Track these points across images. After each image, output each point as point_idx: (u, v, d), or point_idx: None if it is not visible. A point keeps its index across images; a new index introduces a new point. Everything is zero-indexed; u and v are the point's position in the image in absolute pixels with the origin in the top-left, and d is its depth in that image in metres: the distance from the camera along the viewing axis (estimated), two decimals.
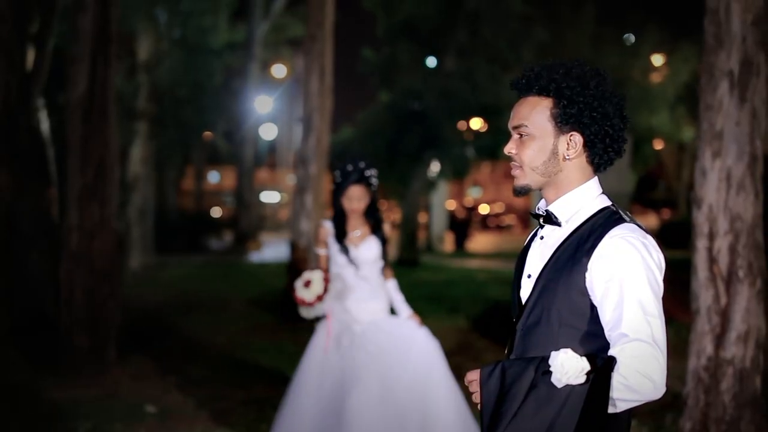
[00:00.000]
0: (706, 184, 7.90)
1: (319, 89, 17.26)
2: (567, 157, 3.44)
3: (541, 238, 3.54)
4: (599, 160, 3.46)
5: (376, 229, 7.75)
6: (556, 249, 3.44)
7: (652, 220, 48.53)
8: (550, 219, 3.50)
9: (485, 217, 65.94)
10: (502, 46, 32.97)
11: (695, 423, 7.92)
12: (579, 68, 3.44)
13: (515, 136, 3.51)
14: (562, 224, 3.47)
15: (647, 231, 3.40)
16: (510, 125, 3.54)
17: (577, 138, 3.42)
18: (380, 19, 33.72)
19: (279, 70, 48.51)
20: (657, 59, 44.14)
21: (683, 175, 46.56)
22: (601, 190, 3.50)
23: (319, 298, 7.44)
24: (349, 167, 7.52)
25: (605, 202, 3.47)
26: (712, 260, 7.84)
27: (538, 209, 3.56)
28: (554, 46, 37.64)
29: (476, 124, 36.10)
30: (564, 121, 3.41)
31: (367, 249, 7.69)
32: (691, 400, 7.96)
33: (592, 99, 3.38)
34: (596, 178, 3.51)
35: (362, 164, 7.57)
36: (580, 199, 3.46)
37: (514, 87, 3.56)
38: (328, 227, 7.71)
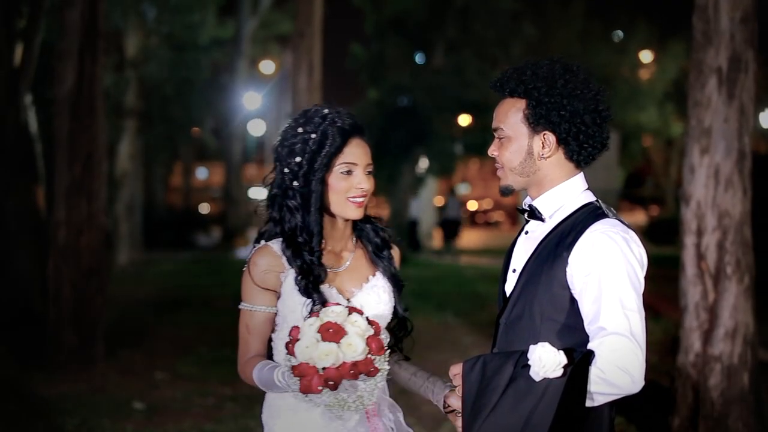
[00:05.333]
0: (695, 180, 7.92)
1: (307, 85, 17.26)
2: (543, 156, 3.48)
3: (526, 233, 3.60)
4: (578, 156, 3.50)
5: (378, 256, 3.95)
6: (539, 243, 3.48)
7: (640, 216, 48.55)
8: (534, 214, 3.54)
9: (473, 213, 65.95)
10: (491, 42, 32.98)
11: (683, 419, 7.94)
12: (548, 68, 3.48)
13: (496, 138, 3.57)
14: (546, 219, 3.52)
15: (630, 226, 3.44)
16: (492, 127, 3.60)
17: (551, 137, 3.47)
18: (369, 15, 33.69)
19: (267, 67, 48.43)
20: (645, 56, 44.28)
21: (671, 172, 46.64)
22: (585, 186, 3.54)
23: (377, 349, 3.39)
24: (327, 110, 3.81)
25: (590, 197, 3.52)
26: (700, 257, 7.86)
27: (524, 204, 3.60)
28: (543, 42, 37.68)
29: (465, 120, 36.10)
30: (536, 122, 3.45)
31: (375, 301, 3.84)
32: (679, 396, 7.99)
33: (560, 98, 3.42)
34: (581, 174, 3.56)
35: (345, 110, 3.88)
36: (564, 194, 3.50)
37: (492, 89, 3.63)
38: (276, 251, 3.81)
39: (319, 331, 3.35)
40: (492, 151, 3.57)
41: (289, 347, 3.41)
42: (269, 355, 3.86)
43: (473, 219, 63.60)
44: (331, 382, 3.30)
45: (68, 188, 11.35)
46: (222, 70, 37.35)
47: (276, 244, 3.79)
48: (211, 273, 24.46)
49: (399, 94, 32.44)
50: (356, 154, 3.75)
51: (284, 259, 3.75)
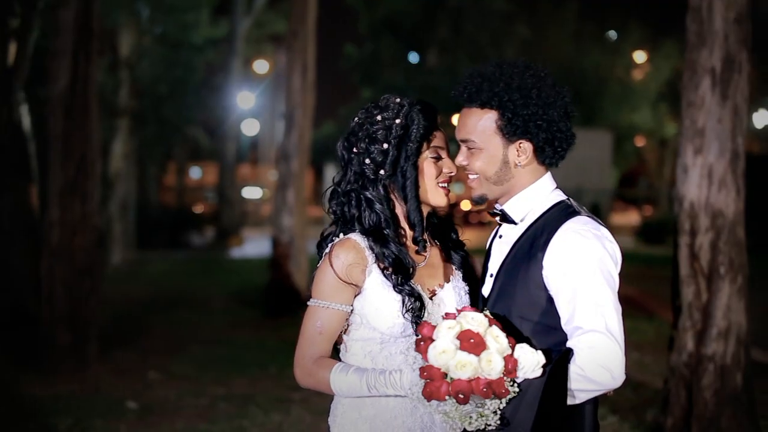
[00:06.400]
0: (688, 180, 7.92)
1: (301, 85, 17.24)
2: (518, 164, 3.48)
3: (500, 237, 3.60)
4: (550, 160, 3.52)
5: (453, 255, 3.82)
6: (512, 246, 3.49)
7: (633, 216, 48.61)
8: (506, 217, 3.55)
9: (467, 213, 65.92)
10: (484, 42, 33.00)
11: (676, 419, 7.94)
12: (519, 77, 3.45)
13: (464, 147, 3.55)
14: (518, 222, 3.52)
15: (602, 224, 3.45)
16: (457, 137, 3.57)
17: (527, 145, 3.46)
18: (363, 15, 33.72)
19: (261, 66, 48.42)
20: (639, 56, 44.29)
21: (665, 172, 46.70)
22: (555, 186, 3.56)
23: (510, 372, 3.14)
24: (400, 98, 3.75)
25: (560, 196, 3.53)
26: (693, 257, 7.86)
27: (495, 208, 3.60)
28: (536, 42, 37.71)
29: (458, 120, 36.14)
30: (511, 132, 3.44)
31: (457, 302, 3.65)
32: (672, 396, 7.99)
33: (536, 108, 3.41)
34: (549, 174, 3.57)
35: None
36: (534, 196, 3.51)
37: (458, 100, 3.57)
38: (360, 244, 3.59)
39: (458, 338, 3.13)
40: (461, 161, 3.55)
41: (421, 345, 3.17)
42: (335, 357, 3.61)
43: (467, 219, 63.57)
44: (461, 396, 3.08)
45: (62, 188, 11.34)
46: (216, 70, 37.35)
47: (358, 237, 3.57)
48: (205, 272, 24.45)
49: (392, 94, 32.55)
50: (442, 138, 3.63)
51: (368, 252, 3.54)
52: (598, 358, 3.18)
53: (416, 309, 3.47)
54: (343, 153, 3.66)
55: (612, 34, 44.56)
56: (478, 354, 3.09)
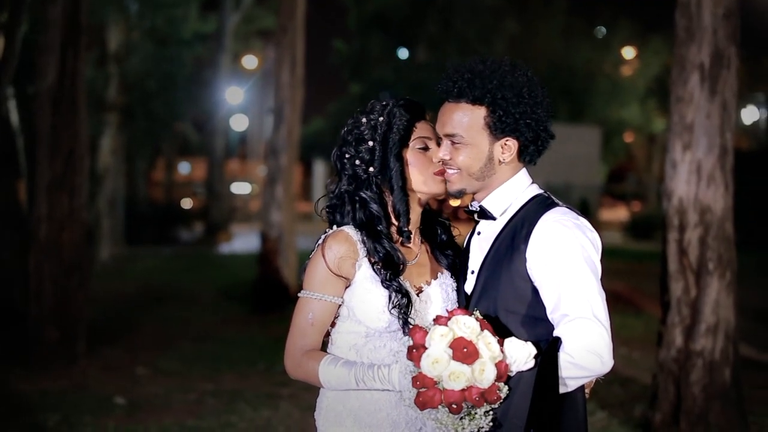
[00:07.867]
0: (677, 176, 7.93)
1: (290, 80, 17.23)
2: (502, 161, 3.50)
3: (479, 233, 3.62)
4: (531, 157, 3.54)
5: (442, 254, 3.81)
6: (494, 241, 3.51)
7: (621, 212, 48.67)
8: (485, 214, 3.56)
9: (456, 208, 65.91)
10: (473, 38, 33.00)
11: (665, 415, 7.95)
12: (511, 75, 3.47)
13: (447, 142, 3.54)
14: (497, 217, 3.53)
15: (581, 214, 3.48)
16: (441, 132, 3.56)
17: (512, 143, 3.49)
18: (352, 11, 33.69)
19: (250, 62, 48.37)
20: (628, 52, 44.35)
21: (653, 168, 46.78)
22: (531, 181, 3.58)
23: (501, 378, 3.14)
24: (385, 100, 3.78)
25: (537, 190, 3.55)
26: (682, 252, 7.87)
27: (472, 205, 3.61)
28: (525, 38, 37.72)
29: None
30: (500, 130, 3.46)
31: (444, 298, 3.66)
32: (661, 391, 8.00)
33: (526, 107, 3.44)
34: (525, 169, 3.59)
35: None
36: (512, 191, 3.53)
37: (444, 94, 3.57)
38: (352, 237, 3.60)
39: (450, 346, 3.10)
40: (444, 155, 3.54)
41: (412, 352, 3.15)
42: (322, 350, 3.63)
43: (455, 214, 63.57)
44: (454, 406, 3.07)
45: (50, 183, 11.31)
46: (204, 65, 37.30)
47: (351, 230, 3.60)
48: (194, 268, 24.42)
49: (382, 90, 32.57)
50: (428, 128, 3.65)
51: (360, 245, 3.57)
52: (587, 344, 3.21)
53: (403, 306, 3.49)
54: (336, 162, 3.72)
55: (601, 30, 44.62)
56: (471, 364, 3.07)
